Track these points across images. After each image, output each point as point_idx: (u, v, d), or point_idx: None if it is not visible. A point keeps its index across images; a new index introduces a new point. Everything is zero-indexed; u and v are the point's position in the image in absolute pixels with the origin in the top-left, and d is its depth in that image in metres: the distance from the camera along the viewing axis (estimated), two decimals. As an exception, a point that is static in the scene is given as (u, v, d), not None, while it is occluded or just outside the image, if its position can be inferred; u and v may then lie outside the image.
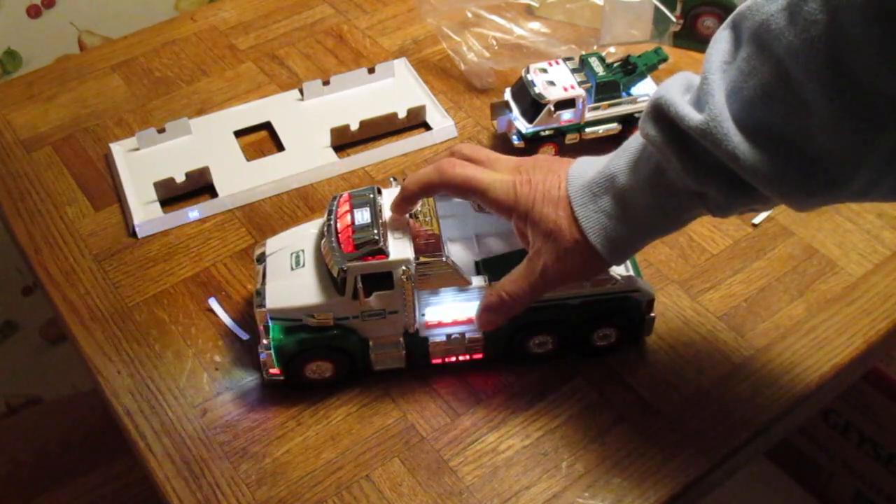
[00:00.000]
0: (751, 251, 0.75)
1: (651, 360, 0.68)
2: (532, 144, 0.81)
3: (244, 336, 0.70)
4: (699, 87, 0.51)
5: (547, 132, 0.81)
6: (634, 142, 0.57)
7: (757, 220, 0.77)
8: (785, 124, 0.48)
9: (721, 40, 0.51)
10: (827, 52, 0.44)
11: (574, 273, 0.59)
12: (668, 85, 0.53)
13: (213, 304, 0.73)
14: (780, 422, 0.65)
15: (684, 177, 0.53)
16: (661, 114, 0.52)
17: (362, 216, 0.62)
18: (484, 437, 0.64)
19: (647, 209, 0.56)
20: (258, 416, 0.65)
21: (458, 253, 0.67)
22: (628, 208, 0.57)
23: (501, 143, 0.84)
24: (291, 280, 0.64)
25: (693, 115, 0.50)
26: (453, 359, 0.67)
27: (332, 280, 0.63)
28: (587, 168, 0.59)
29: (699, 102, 0.51)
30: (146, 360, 0.69)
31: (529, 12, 0.94)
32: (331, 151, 0.85)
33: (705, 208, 0.55)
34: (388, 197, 0.65)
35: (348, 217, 0.63)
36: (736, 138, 0.49)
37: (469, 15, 0.91)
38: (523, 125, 0.80)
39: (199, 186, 0.82)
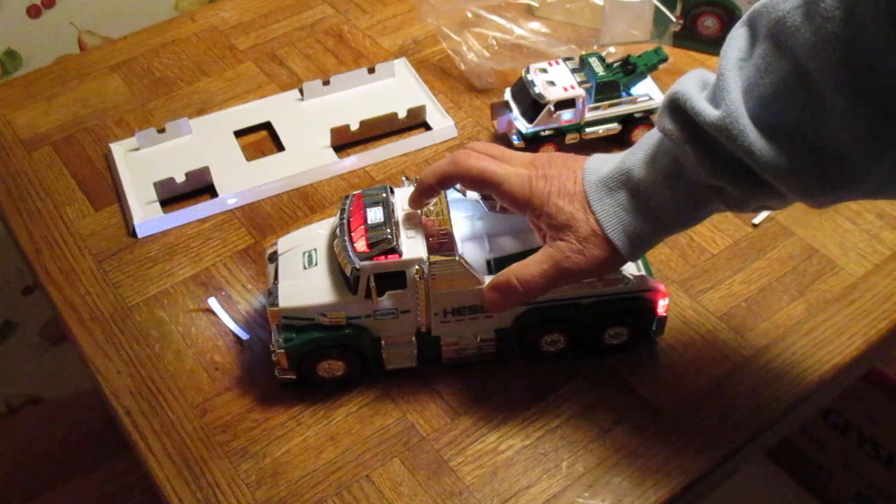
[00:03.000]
0: (751, 251, 0.75)
1: (651, 359, 0.68)
2: (532, 144, 0.81)
3: (244, 336, 0.70)
4: (715, 83, 0.51)
5: (547, 132, 0.81)
6: (650, 138, 0.57)
7: (757, 220, 0.77)
8: (801, 121, 0.49)
9: (737, 38, 0.51)
10: (843, 48, 0.45)
11: (588, 267, 0.58)
12: (684, 80, 0.53)
13: (213, 304, 0.73)
14: (780, 422, 0.65)
15: (700, 171, 0.53)
16: (677, 109, 0.52)
17: (375, 215, 0.62)
18: (484, 437, 0.64)
19: (663, 203, 0.56)
20: (258, 416, 0.65)
21: (469, 252, 0.67)
22: (645, 202, 0.56)
23: (501, 144, 0.84)
24: (304, 279, 0.64)
25: (709, 111, 0.50)
26: (465, 358, 0.67)
27: (344, 279, 0.63)
28: (603, 164, 0.59)
29: (715, 99, 0.51)
30: (146, 360, 0.69)
31: (529, 12, 0.94)
32: (331, 151, 0.85)
33: (722, 203, 0.55)
34: (401, 196, 0.65)
35: (361, 216, 0.63)
36: (752, 134, 0.49)
37: (469, 15, 0.91)
38: (523, 125, 0.80)
39: (199, 186, 0.82)
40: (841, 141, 0.48)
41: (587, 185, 0.58)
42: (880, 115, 0.46)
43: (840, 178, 0.49)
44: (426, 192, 0.62)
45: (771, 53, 0.49)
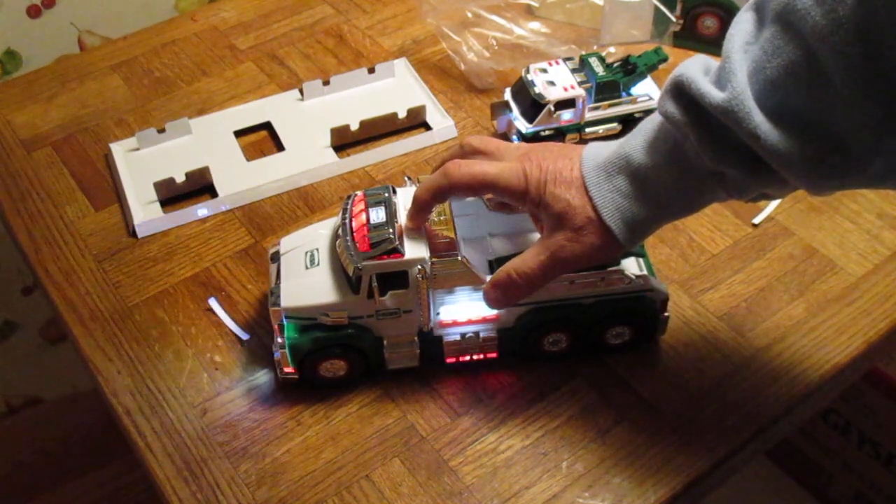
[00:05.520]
0: (751, 251, 0.75)
1: (651, 359, 0.68)
2: (532, 144, 0.81)
3: (244, 336, 0.70)
4: (720, 66, 0.51)
5: (547, 132, 0.81)
6: (649, 123, 0.57)
7: (757, 219, 0.77)
8: (807, 105, 0.48)
9: (743, 21, 0.51)
10: (854, 32, 0.44)
11: (586, 255, 0.58)
12: (687, 64, 0.53)
13: (213, 304, 0.73)
14: (780, 422, 0.65)
15: (703, 155, 0.52)
16: (681, 91, 0.52)
17: (377, 215, 0.62)
18: (484, 437, 0.64)
19: (663, 188, 0.56)
20: (258, 416, 0.66)
21: (471, 252, 0.67)
22: (644, 188, 0.56)
23: (501, 143, 0.84)
24: (306, 279, 0.64)
25: (715, 93, 0.50)
26: (467, 358, 0.67)
27: (346, 279, 0.63)
28: (601, 150, 0.58)
29: (720, 82, 0.51)
30: (146, 360, 0.69)
31: (529, 12, 0.94)
32: (331, 151, 0.85)
33: (723, 189, 0.54)
34: (403, 196, 0.65)
35: (363, 216, 0.62)
36: (758, 117, 0.49)
37: (469, 15, 0.91)
38: (523, 125, 0.80)
39: (199, 186, 0.82)
40: (847, 126, 0.48)
41: (585, 171, 0.57)
42: (887, 102, 0.46)
43: (844, 164, 0.49)
44: (424, 208, 0.62)
45: (779, 36, 0.48)
